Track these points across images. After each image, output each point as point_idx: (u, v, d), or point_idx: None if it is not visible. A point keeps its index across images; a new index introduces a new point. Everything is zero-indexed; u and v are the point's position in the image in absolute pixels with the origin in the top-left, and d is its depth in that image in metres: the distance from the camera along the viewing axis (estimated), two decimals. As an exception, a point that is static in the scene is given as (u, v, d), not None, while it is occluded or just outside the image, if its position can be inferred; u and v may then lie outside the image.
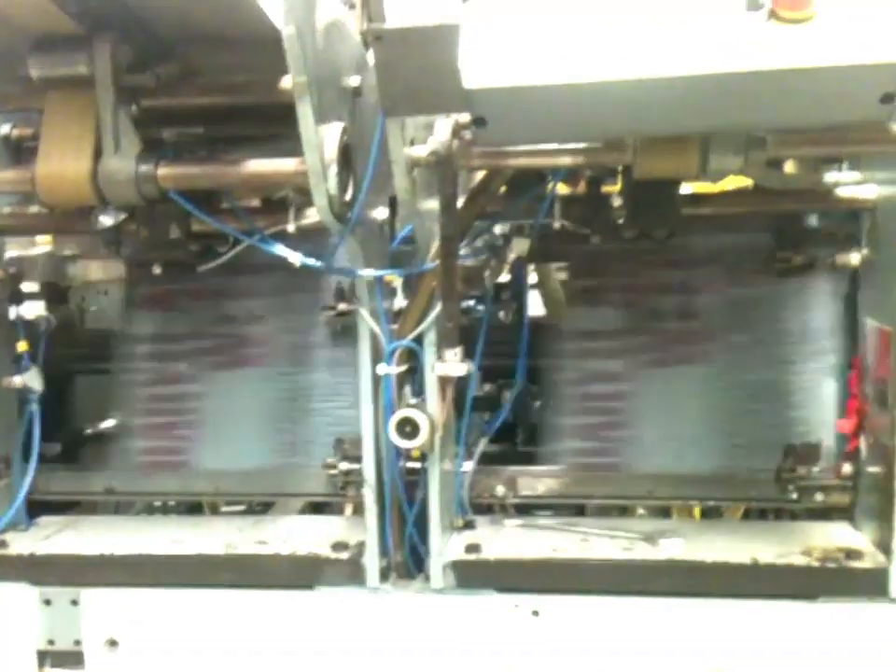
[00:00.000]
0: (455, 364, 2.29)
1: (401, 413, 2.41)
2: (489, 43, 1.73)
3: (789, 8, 1.59)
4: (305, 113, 1.99)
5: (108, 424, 3.11)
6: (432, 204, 2.28)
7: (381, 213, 2.61)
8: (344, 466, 2.83)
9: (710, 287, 2.88)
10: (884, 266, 2.48)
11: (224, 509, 3.52)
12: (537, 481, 2.92)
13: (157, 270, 2.74)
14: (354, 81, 2.33)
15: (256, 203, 2.68)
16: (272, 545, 2.67)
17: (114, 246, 2.71)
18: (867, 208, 2.56)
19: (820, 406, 2.83)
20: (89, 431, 3.17)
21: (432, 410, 2.44)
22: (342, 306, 2.90)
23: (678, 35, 1.66)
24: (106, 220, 2.55)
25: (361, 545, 2.58)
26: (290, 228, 2.48)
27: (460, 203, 2.40)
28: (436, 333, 2.36)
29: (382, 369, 2.47)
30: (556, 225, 2.54)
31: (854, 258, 2.71)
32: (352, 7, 2.35)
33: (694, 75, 1.64)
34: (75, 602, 2.65)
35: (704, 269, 2.88)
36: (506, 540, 2.64)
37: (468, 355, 2.45)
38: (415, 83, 1.92)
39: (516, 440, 3.26)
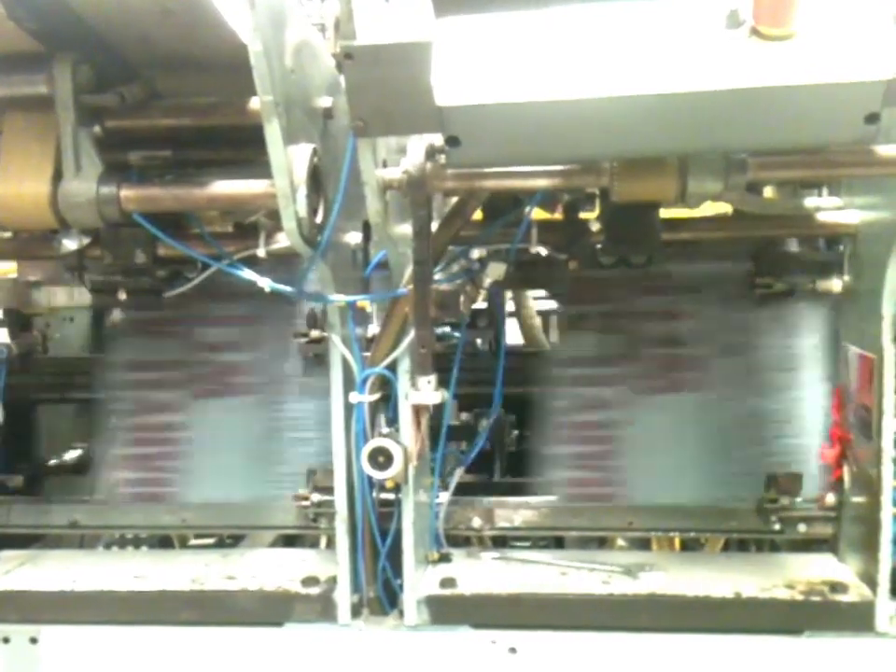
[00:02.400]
0: (428, 392, 2.22)
1: (374, 442, 2.33)
2: (462, 60, 1.68)
3: (769, 25, 1.55)
4: (273, 133, 1.93)
5: (72, 455, 3.01)
6: (405, 229, 2.22)
7: (353, 237, 2.55)
8: (316, 497, 2.74)
9: (690, 314, 2.83)
10: (865, 292, 2.43)
11: (193, 542, 3.43)
12: (514, 512, 2.84)
13: (122, 296, 2.65)
14: (325, 102, 2.28)
15: (228, 228, 2.62)
16: (239, 580, 2.57)
17: (77, 272, 2.65)
18: (848, 234, 2.52)
19: (805, 434, 2.79)
20: (52, 462, 3.08)
21: (406, 439, 2.36)
22: (314, 333, 2.83)
23: (655, 53, 1.61)
24: (70, 244, 2.49)
25: (332, 580, 2.49)
26: (260, 252, 2.41)
27: (435, 226, 2.35)
28: (410, 360, 2.29)
29: (354, 397, 2.39)
30: (533, 250, 2.48)
31: (836, 284, 2.68)
32: (322, 29, 2.30)
33: (672, 93, 1.59)
34: (34, 640, 2.54)
35: (683, 295, 2.83)
36: (482, 574, 2.56)
37: (442, 383, 2.39)
38: (387, 102, 1.86)
39: (493, 470, 3.19)
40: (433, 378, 2.22)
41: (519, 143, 1.73)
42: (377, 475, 2.34)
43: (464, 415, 3.32)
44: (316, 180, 2.12)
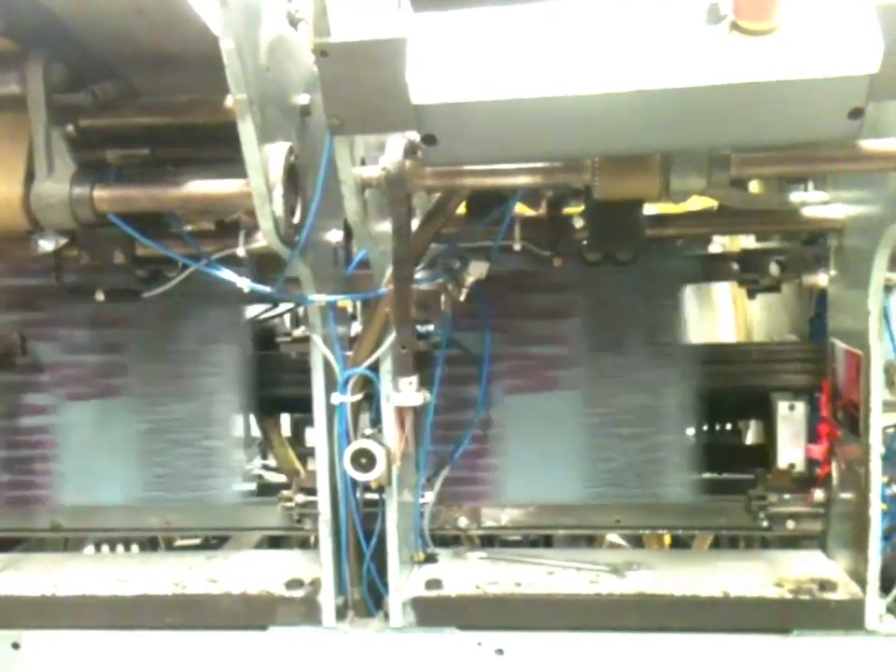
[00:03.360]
0: (410, 394, 2.19)
1: (356, 444, 2.30)
2: (439, 57, 1.64)
3: (751, 20, 1.51)
4: (247, 132, 1.89)
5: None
6: (386, 226, 2.18)
7: (335, 235, 2.52)
8: (300, 498, 2.71)
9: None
10: (852, 288, 2.40)
11: (179, 542, 3.40)
12: (501, 511, 2.82)
13: (100, 297, 2.61)
14: (302, 100, 2.24)
15: (210, 226, 2.57)
16: (222, 583, 2.54)
17: (55, 273, 2.61)
18: (834, 229, 2.49)
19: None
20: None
21: (389, 440, 2.33)
22: (298, 332, 2.80)
23: (636, 49, 1.57)
24: (46, 245, 2.44)
25: (317, 582, 2.47)
26: (240, 251, 2.37)
27: (417, 223, 2.31)
28: (392, 360, 2.26)
29: (336, 398, 2.36)
30: (517, 247, 2.45)
31: (822, 278, 2.65)
32: (295, 23, 2.25)
33: (653, 90, 1.55)
34: (16, 645, 2.52)
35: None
36: (469, 575, 2.54)
37: (428, 381, 2.35)
38: (363, 100, 1.83)
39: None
40: (414, 379, 2.19)
41: (498, 141, 1.69)
42: (360, 477, 2.31)
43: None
44: (294, 179, 2.08)
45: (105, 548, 3.21)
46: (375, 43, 1.76)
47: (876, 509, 2.31)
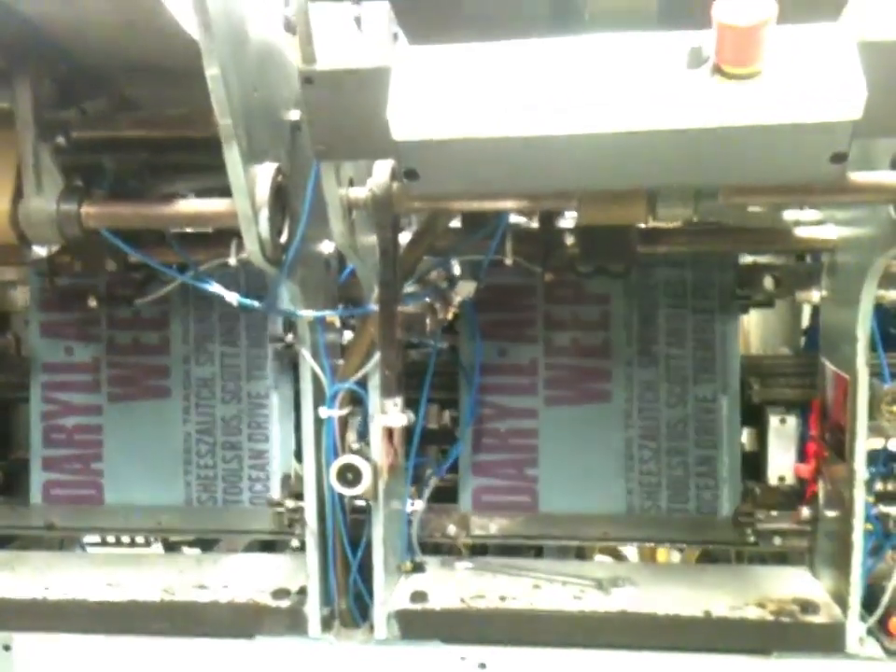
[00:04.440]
0: (394, 415, 2.20)
1: (343, 459, 2.31)
2: (420, 92, 1.63)
3: (733, 64, 1.50)
4: (232, 157, 1.89)
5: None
6: (374, 241, 2.18)
7: (327, 246, 2.52)
8: (291, 504, 2.73)
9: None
10: (842, 310, 2.39)
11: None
12: (490, 520, 2.84)
13: (92, 303, 2.63)
14: (293, 115, 2.23)
15: (207, 230, 2.57)
16: (210, 591, 2.57)
17: (49, 277, 2.63)
18: (827, 249, 2.48)
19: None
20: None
21: (376, 455, 2.34)
22: (290, 337, 2.81)
23: (618, 89, 1.56)
24: (39, 251, 2.47)
25: (304, 591, 2.48)
26: (231, 261, 2.38)
27: (406, 237, 2.32)
28: (380, 375, 2.26)
29: (324, 412, 2.37)
30: (508, 262, 2.44)
31: (814, 295, 2.65)
32: (292, 28, 2.22)
33: (634, 131, 1.54)
34: (7, 647, 2.54)
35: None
36: (454, 587, 2.55)
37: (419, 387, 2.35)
38: (347, 127, 1.82)
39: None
40: (399, 400, 2.19)
41: (480, 176, 1.68)
42: (346, 492, 2.32)
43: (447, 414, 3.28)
44: (281, 198, 2.08)
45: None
46: (361, 72, 1.75)
47: (859, 534, 2.31)
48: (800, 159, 1.59)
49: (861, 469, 2.29)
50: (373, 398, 2.32)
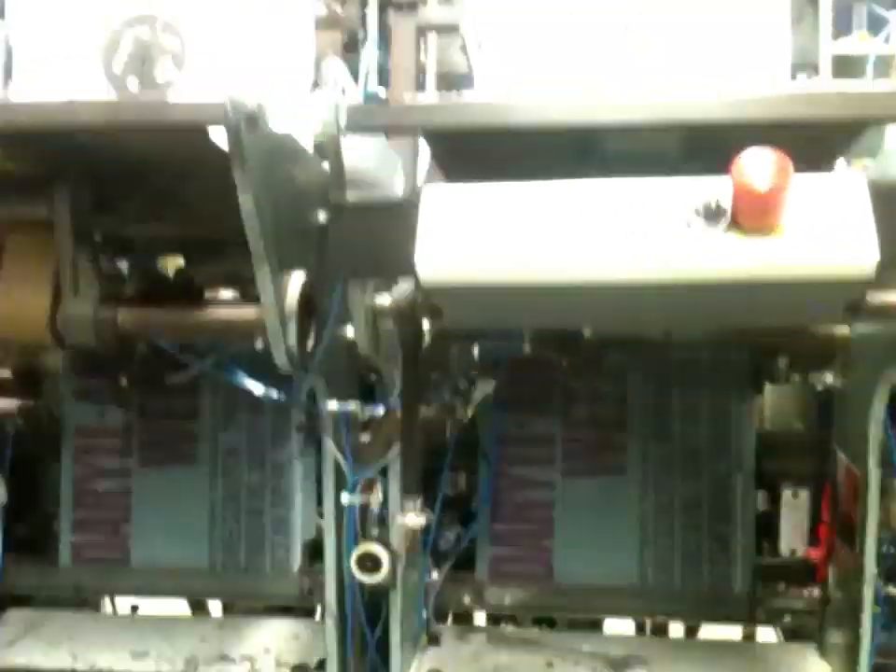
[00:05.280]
0: (412, 517, 2.27)
1: (362, 547, 2.38)
2: (445, 234, 1.69)
3: (750, 224, 1.55)
4: (262, 276, 1.94)
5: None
6: (396, 342, 2.24)
7: (349, 330, 2.57)
8: (311, 571, 2.81)
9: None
10: (855, 402, 2.44)
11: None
12: (504, 590, 2.90)
13: (123, 382, 2.71)
14: (321, 218, 2.28)
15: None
16: (233, 664, 2.64)
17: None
18: (843, 344, 2.52)
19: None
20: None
21: (395, 541, 2.41)
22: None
23: (636, 239, 1.62)
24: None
25: (322, 666, 2.56)
26: (258, 345, 2.44)
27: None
28: (400, 474, 2.33)
29: (345, 498, 2.44)
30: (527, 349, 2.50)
31: (829, 377, 2.69)
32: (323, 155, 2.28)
33: (649, 283, 1.60)
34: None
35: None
36: (469, 663, 2.62)
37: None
38: (375, 252, 1.89)
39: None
40: (418, 500, 2.26)
41: (502, 315, 1.75)
42: (365, 580, 2.38)
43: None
44: (309, 305, 2.14)
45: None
46: (389, 205, 1.81)
47: (868, 625, 2.35)
48: (814, 307, 1.64)
49: (870, 565, 2.34)
50: (393, 489, 2.39)
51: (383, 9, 2.62)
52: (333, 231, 1.88)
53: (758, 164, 1.49)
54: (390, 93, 2.43)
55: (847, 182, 1.61)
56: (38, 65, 2.56)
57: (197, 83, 2.42)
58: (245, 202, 1.85)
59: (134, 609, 3.27)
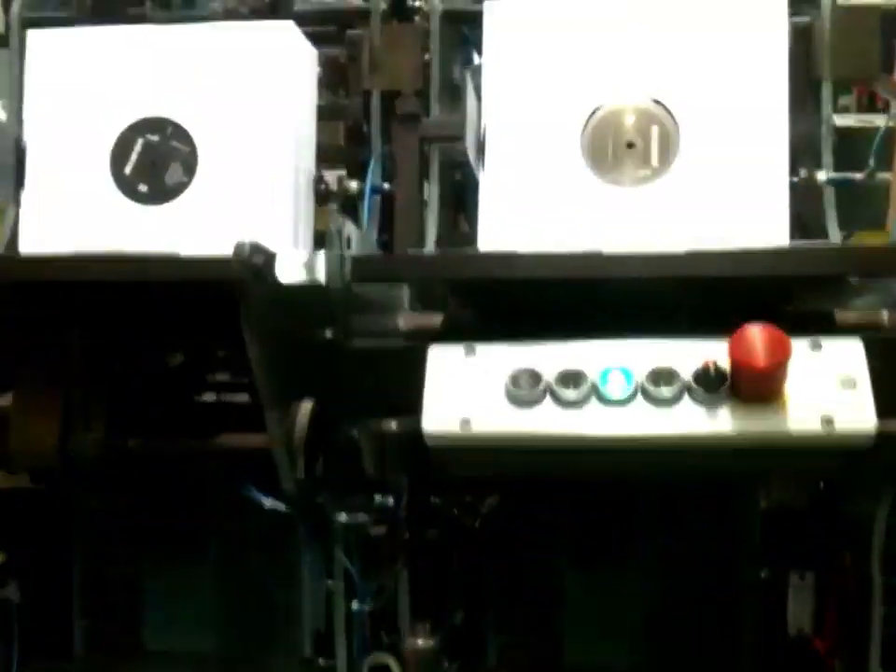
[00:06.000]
0: (421, 640, 2.30)
1: (374, 657, 2.42)
2: (452, 396, 1.73)
3: (749, 395, 1.58)
4: (271, 421, 1.97)
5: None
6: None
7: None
8: (322, 662, 2.84)
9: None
10: (857, 506, 2.47)
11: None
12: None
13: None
14: (328, 335, 2.30)
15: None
16: None
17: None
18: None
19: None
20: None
21: (408, 649, 2.44)
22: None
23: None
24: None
25: None
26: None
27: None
28: (409, 597, 2.36)
29: (356, 605, 2.47)
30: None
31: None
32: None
33: (644, 445, 1.64)
34: None
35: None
36: None
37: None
38: (381, 395, 1.92)
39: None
40: (427, 625, 2.29)
41: (504, 467, 1.79)
42: (378, 690, 2.42)
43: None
44: (318, 431, 2.16)
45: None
46: (397, 351, 1.84)
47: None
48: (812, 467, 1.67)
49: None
50: (403, 601, 2.42)
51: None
52: (338, 374, 1.91)
53: (756, 342, 1.52)
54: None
55: (846, 349, 1.64)
56: (49, 171, 2.54)
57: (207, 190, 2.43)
58: (253, 351, 1.88)
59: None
